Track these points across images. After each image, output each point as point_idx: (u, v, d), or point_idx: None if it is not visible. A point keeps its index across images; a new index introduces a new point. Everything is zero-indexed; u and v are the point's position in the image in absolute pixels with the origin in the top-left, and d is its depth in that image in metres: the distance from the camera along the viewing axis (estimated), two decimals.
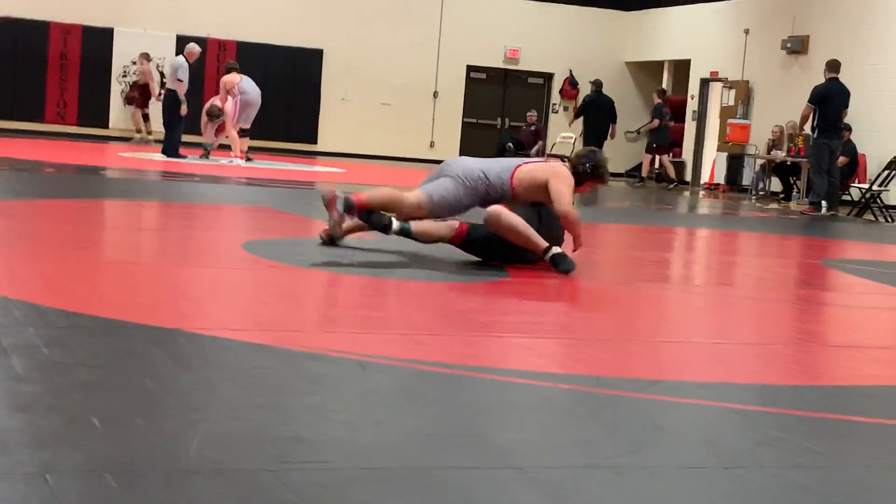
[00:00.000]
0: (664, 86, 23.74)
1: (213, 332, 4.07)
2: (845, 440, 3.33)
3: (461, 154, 23.84)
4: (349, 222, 6.94)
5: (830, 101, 14.70)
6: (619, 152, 23.51)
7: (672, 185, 20.44)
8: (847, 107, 14.96)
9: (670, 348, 4.67)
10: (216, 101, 16.96)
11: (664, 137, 20.90)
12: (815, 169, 15.11)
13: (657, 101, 20.96)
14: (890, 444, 3.33)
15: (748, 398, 3.78)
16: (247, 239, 7.13)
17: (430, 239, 6.75)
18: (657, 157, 21.29)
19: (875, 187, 15.70)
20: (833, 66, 14.96)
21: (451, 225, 6.71)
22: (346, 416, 3.14)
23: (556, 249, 6.51)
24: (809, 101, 14.83)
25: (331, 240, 6.98)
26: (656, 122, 20.72)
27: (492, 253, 6.70)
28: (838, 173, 15.24)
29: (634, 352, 4.47)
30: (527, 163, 6.86)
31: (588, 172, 6.87)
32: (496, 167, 6.76)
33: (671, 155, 22.97)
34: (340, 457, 2.75)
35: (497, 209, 6.58)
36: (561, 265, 6.45)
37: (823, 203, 14.99)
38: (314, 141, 23.21)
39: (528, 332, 4.68)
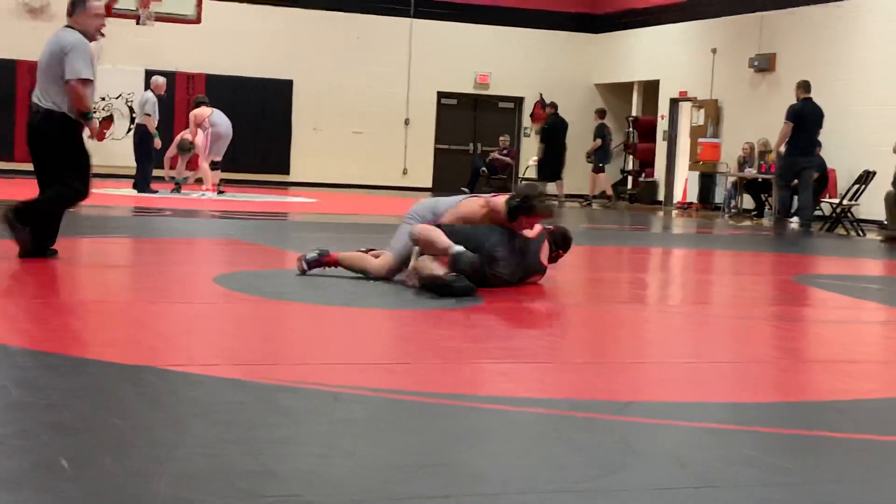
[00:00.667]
0: (634, 107, 23.88)
1: (183, 368, 4.05)
2: (818, 456, 3.33)
3: (434, 180, 23.95)
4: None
5: (804, 121, 14.87)
6: (585, 174, 23.60)
7: (609, 202, 21.01)
8: (821, 127, 15.13)
9: (644, 369, 4.67)
10: (186, 134, 16.95)
11: (606, 157, 21.22)
12: (779, 184, 15.45)
13: (598, 121, 21.34)
14: (861, 457, 3.33)
15: (721, 417, 3.78)
16: (218, 272, 7.11)
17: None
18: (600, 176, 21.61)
19: (846, 202, 15.80)
20: (805, 86, 15.20)
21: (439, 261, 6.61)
22: (318, 448, 3.13)
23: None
24: (788, 119, 14.98)
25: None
26: (598, 141, 21.01)
27: (476, 279, 6.66)
28: (811, 190, 15.35)
29: (608, 374, 4.47)
30: (466, 199, 7.05)
31: (518, 207, 6.71)
32: (444, 205, 7.05)
33: (644, 175, 23.11)
34: (312, 489, 2.74)
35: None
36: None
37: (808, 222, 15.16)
38: (286, 171, 23.20)
39: (500, 358, 4.68)
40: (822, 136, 16.90)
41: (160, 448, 3.03)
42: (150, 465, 2.86)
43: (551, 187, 20.22)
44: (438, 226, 6.73)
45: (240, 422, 3.35)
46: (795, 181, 15.17)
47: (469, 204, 6.97)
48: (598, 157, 21.33)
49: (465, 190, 22.37)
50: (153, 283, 6.84)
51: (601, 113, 21.61)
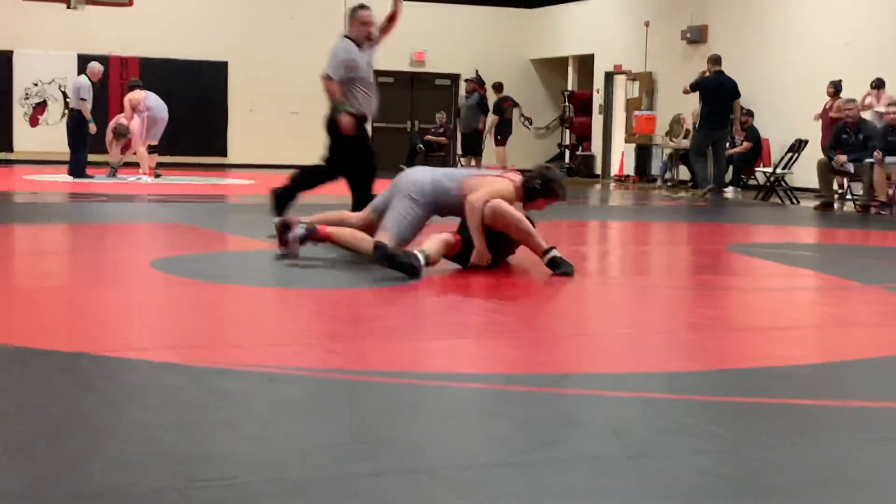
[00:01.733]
0: (569, 81, 23.96)
1: (119, 354, 4.02)
2: (750, 422, 3.38)
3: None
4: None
5: (712, 94, 15.54)
6: (532, 149, 23.66)
7: None
8: (736, 97, 15.49)
9: (581, 341, 4.71)
10: (122, 119, 16.77)
11: (507, 130, 21.25)
12: (695, 158, 16.10)
13: (498, 95, 21.26)
14: (792, 422, 3.39)
15: (656, 387, 3.83)
16: (155, 257, 7.05)
17: (439, 259, 6.57)
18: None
19: (779, 171, 15.99)
20: (715, 59, 15.97)
21: (447, 240, 6.56)
22: (255, 429, 3.13)
23: (555, 252, 6.53)
24: (691, 87, 15.84)
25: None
26: (496, 117, 21.02)
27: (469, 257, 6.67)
28: (724, 161, 16.00)
29: (544, 347, 4.51)
30: (473, 176, 6.86)
31: (538, 189, 6.84)
32: (447, 178, 6.79)
33: (580, 149, 23.22)
34: (249, 471, 2.74)
35: (500, 205, 6.51)
36: (559, 268, 6.46)
37: (713, 185, 15.79)
38: (224, 153, 23.02)
39: (438, 335, 4.69)
40: (755, 107, 17.12)
41: (95, 434, 3.01)
42: (85, 452, 2.84)
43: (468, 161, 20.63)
44: (452, 209, 6.69)
45: (176, 405, 3.34)
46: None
47: (503, 182, 6.78)
48: (498, 131, 21.38)
49: (402, 167, 22.33)
50: (89, 269, 6.78)
51: (497, 87, 21.57)
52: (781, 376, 4.04)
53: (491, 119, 20.99)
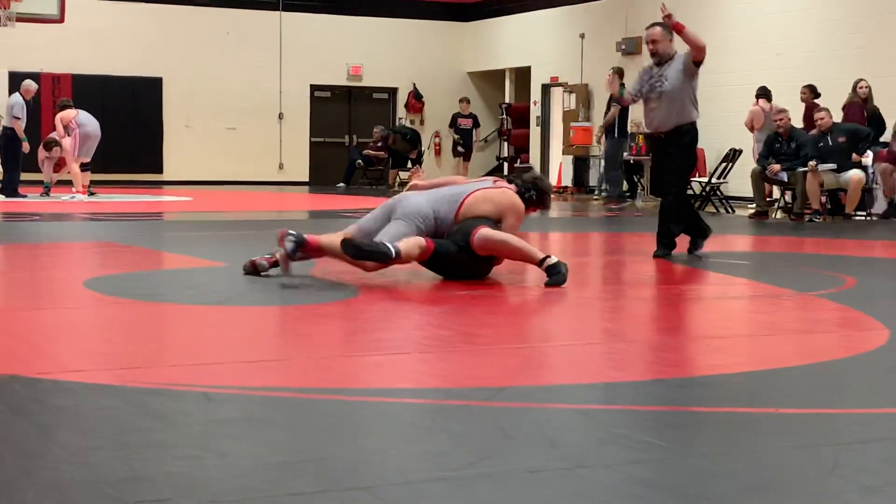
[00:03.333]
0: (507, 94, 24.08)
1: (51, 376, 3.97)
2: (685, 431, 3.41)
3: (311, 174, 23.82)
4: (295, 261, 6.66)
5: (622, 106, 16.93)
6: (470, 161, 23.74)
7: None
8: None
9: (517, 353, 4.72)
10: (54, 136, 16.63)
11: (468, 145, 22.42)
12: (614, 166, 17.22)
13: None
14: (727, 430, 3.42)
15: (592, 398, 3.85)
16: (89, 276, 6.98)
17: (410, 260, 6.62)
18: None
19: (714, 180, 16.17)
20: (618, 71, 16.89)
21: (419, 243, 6.56)
22: (190, 450, 3.10)
23: (552, 259, 6.56)
24: (615, 103, 17.06)
25: (255, 270, 6.71)
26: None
27: (451, 268, 6.71)
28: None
29: (482, 360, 4.51)
30: (478, 189, 6.87)
31: (532, 200, 7.03)
32: (444, 203, 6.79)
33: (519, 161, 23.34)
34: (183, 492, 2.71)
35: (484, 233, 6.57)
36: (552, 277, 6.50)
37: (628, 194, 17.33)
38: (159, 170, 22.86)
39: (376, 350, 4.68)
40: None
41: (26, 458, 2.96)
42: (16, 477, 2.80)
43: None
44: (444, 234, 6.73)
45: (109, 427, 3.30)
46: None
47: (508, 195, 6.89)
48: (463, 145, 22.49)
49: (342, 185, 22.45)
50: (21, 289, 6.68)
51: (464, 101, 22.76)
52: (715, 385, 4.08)
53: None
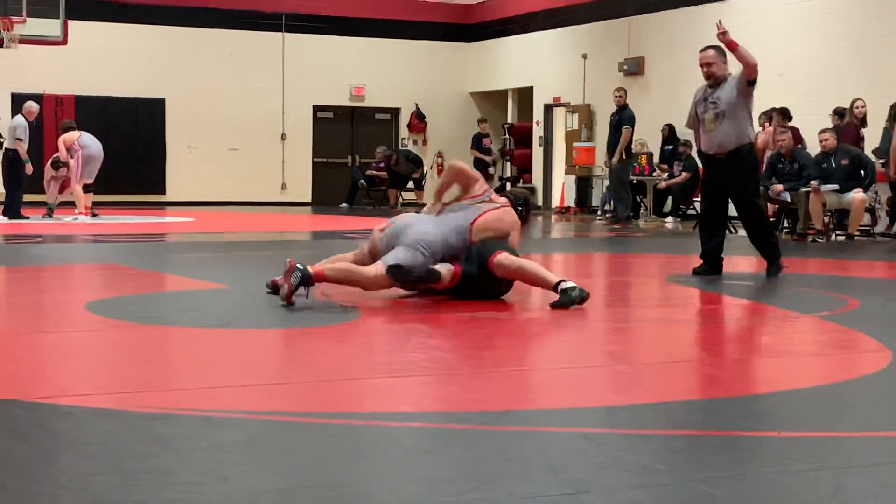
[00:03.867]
0: (509, 114, 24.12)
1: (53, 400, 3.96)
2: (686, 455, 3.40)
3: (313, 195, 23.84)
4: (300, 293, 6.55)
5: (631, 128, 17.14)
6: None
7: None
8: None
9: (520, 376, 4.72)
10: (57, 156, 16.70)
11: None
12: (623, 187, 17.41)
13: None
14: (728, 454, 3.41)
15: (594, 421, 3.84)
16: (91, 299, 6.98)
17: (444, 284, 6.78)
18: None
19: None
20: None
21: (450, 269, 6.75)
22: (191, 475, 3.09)
23: (567, 283, 6.63)
24: (628, 125, 17.20)
25: (276, 290, 6.66)
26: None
27: (475, 289, 6.82)
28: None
29: (484, 384, 4.50)
30: (486, 211, 7.00)
31: (522, 214, 7.31)
32: (453, 226, 6.89)
33: (521, 181, 23.37)
34: None
35: (500, 260, 6.71)
36: (559, 299, 6.58)
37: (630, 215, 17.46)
38: (162, 191, 22.89)
39: (378, 373, 4.68)
40: (690, 137, 17.30)
41: (27, 484, 2.96)
42: (17, 502, 2.79)
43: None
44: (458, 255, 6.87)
45: (110, 453, 3.30)
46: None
47: (509, 213, 7.11)
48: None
49: (345, 205, 22.46)
50: (23, 312, 6.68)
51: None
52: (717, 408, 4.07)
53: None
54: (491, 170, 22.10)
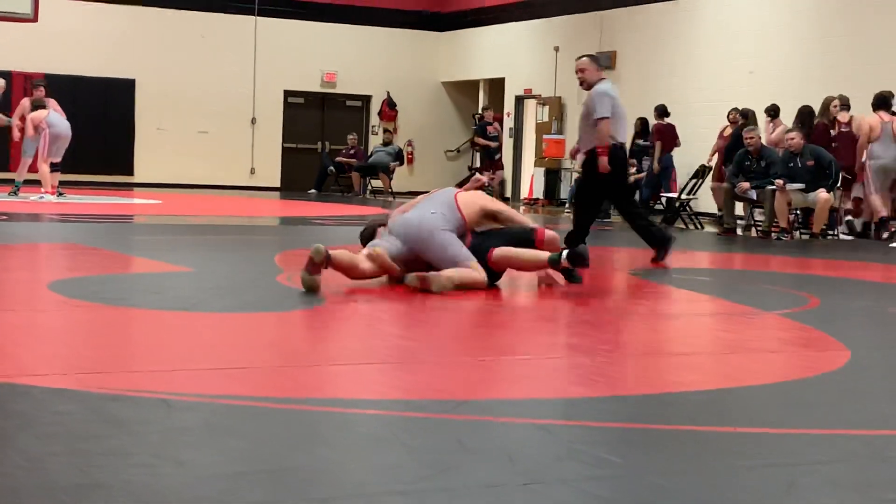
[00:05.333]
0: (480, 105, 24.13)
1: (10, 380, 3.94)
2: (643, 448, 3.43)
3: (282, 180, 23.77)
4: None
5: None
6: (442, 171, 23.79)
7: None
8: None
9: (479, 366, 4.73)
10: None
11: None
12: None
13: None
14: (684, 448, 3.44)
15: (552, 413, 3.86)
16: (54, 279, 6.94)
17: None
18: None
19: (684, 196, 16.24)
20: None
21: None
22: (147, 458, 3.09)
23: (556, 254, 6.90)
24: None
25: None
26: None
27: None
28: None
29: (444, 373, 4.51)
30: (458, 192, 7.23)
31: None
32: (439, 202, 7.05)
33: (493, 171, 23.41)
34: (139, 500, 2.70)
35: (497, 254, 6.95)
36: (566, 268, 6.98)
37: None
38: (130, 172, 22.76)
39: (339, 360, 4.68)
40: None
41: None
42: None
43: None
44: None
45: (67, 433, 3.29)
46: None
47: (482, 196, 7.38)
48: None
49: (313, 191, 22.42)
50: None
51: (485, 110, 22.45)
52: (675, 402, 4.09)
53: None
54: (497, 155, 21.70)
